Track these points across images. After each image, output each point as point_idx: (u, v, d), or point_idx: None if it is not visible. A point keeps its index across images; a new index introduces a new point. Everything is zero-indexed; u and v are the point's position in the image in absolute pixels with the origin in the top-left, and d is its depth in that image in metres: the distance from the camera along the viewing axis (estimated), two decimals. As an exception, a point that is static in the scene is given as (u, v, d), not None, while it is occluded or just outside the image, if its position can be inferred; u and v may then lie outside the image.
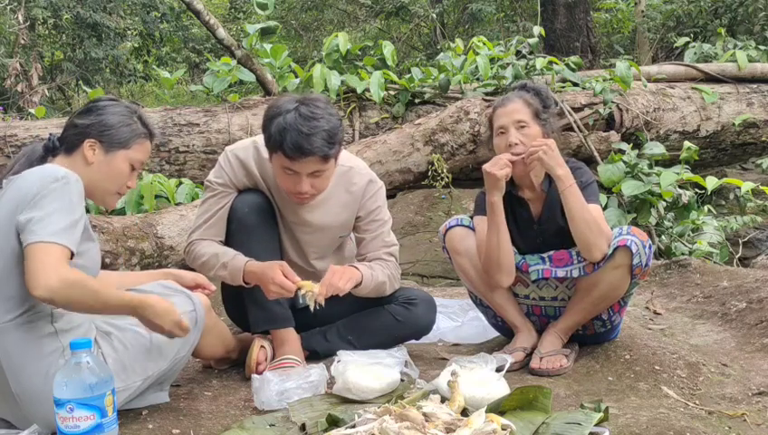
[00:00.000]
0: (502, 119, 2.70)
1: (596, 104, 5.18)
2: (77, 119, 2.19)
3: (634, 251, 2.54)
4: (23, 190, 1.98)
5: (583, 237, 2.57)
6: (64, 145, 2.17)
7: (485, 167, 2.64)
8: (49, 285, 1.85)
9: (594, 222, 2.57)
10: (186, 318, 2.20)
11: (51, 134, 2.21)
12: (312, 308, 2.52)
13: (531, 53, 5.69)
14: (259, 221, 2.62)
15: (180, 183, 4.42)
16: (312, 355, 2.72)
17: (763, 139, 5.96)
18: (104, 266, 3.19)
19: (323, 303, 2.48)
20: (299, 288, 2.50)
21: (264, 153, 2.57)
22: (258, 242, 2.62)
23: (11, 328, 1.98)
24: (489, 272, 2.73)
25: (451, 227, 2.84)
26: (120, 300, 2.03)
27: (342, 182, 2.67)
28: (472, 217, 2.85)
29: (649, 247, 2.60)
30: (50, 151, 2.17)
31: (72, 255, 1.95)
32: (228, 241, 2.66)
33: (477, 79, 5.48)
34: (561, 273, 2.68)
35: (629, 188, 4.60)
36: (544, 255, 2.74)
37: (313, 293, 2.50)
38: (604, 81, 5.28)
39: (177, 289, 2.33)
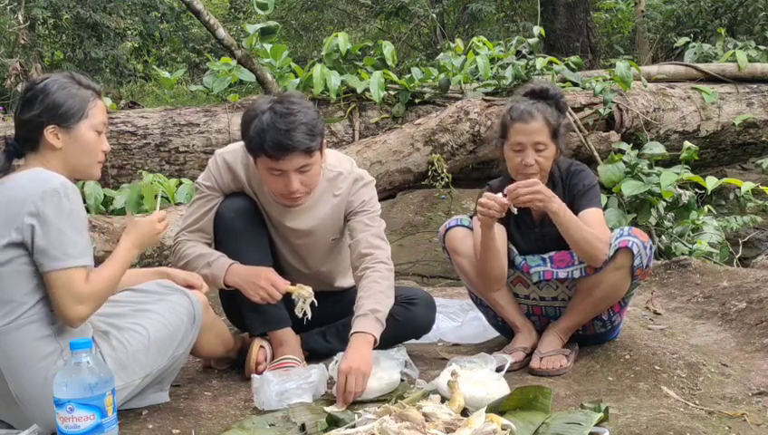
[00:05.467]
0: (521, 136, 2.62)
1: (596, 104, 5.18)
2: (24, 113, 2.10)
3: (635, 252, 2.54)
4: (17, 200, 1.97)
5: (585, 255, 2.58)
6: (27, 143, 2.11)
7: (482, 201, 2.53)
8: (80, 315, 2.00)
9: (593, 236, 2.54)
10: (183, 313, 2.26)
11: (5, 137, 2.15)
12: (299, 314, 2.55)
13: (531, 52, 5.68)
14: (246, 224, 2.61)
15: (180, 183, 4.42)
16: (312, 355, 2.72)
17: (763, 139, 5.96)
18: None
19: (309, 312, 2.53)
20: (288, 293, 2.53)
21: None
22: (249, 245, 2.61)
23: (8, 331, 1.98)
24: (481, 277, 2.75)
25: (451, 228, 2.84)
26: (116, 266, 2.12)
27: (330, 188, 2.65)
28: (471, 217, 2.84)
29: (650, 248, 2.60)
30: (13, 155, 2.12)
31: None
32: (218, 248, 2.64)
33: (477, 79, 5.48)
34: (562, 274, 2.68)
35: (629, 188, 4.60)
36: (545, 256, 2.74)
37: (308, 294, 2.52)
38: (604, 81, 5.28)
39: (174, 287, 2.33)
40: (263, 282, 2.52)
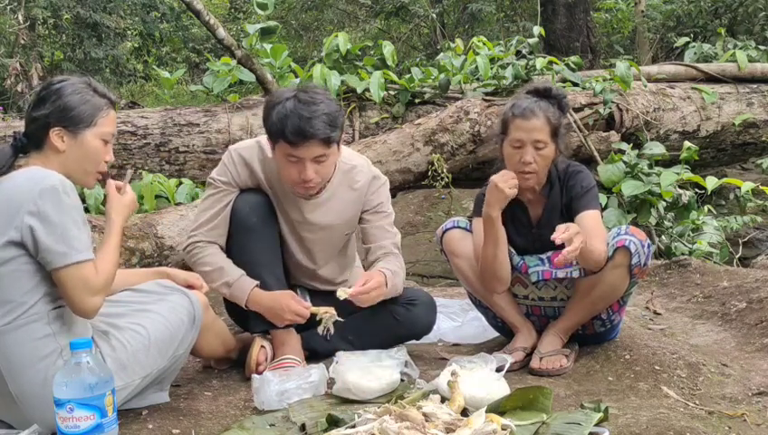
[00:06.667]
0: (520, 133, 2.61)
1: (596, 104, 5.18)
2: (34, 111, 2.11)
3: (633, 251, 2.54)
4: (17, 198, 1.97)
5: (589, 265, 2.59)
6: (32, 141, 2.11)
7: (494, 179, 2.58)
8: (96, 306, 2.03)
9: (598, 253, 2.54)
10: (183, 314, 2.26)
11: (15, 132, 2.15)
12: (322, 333, 2.59)
13: (531, 52, 5.68)
14: (259, 221, 2.62)
15: (180, 183, 4.42)
16: (312, 355, 2.72)
17: (763, 139, 5.96)
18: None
19: (332, 329, 2.59)
20: (313, 314, 2.56)
21: (268, 152, 2.58)
22: (258, 242, 2.62)
23: (7, 331, 1.98)
24: (484, 280, 2.74)
25: (447, 230, 2.84)
26: (116, 246, 2.14)
27: (346, 180, 2.68)
28: (470, 218, 2.84)
29: (648, 246, 2.60)
30: (19, 150, 2.12)
31: None
32: (229, 242, 2.66)
33: (477, 79, 5.48)
34: (561, 274, 2.69)
35: (629, 188, 4.60)
36: (543, 256, 2.74)
37: (330, 315, 2.56)
38: (604, 81, 5.28)
39: (174, 287, 2.33)
40: (287, 315, 2.56)
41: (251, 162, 2.64)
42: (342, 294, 2.48)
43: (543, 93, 2.70)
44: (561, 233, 2.36)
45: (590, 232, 2.56)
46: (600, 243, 2.55)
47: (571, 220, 2.65)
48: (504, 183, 2.56)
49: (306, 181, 2.49)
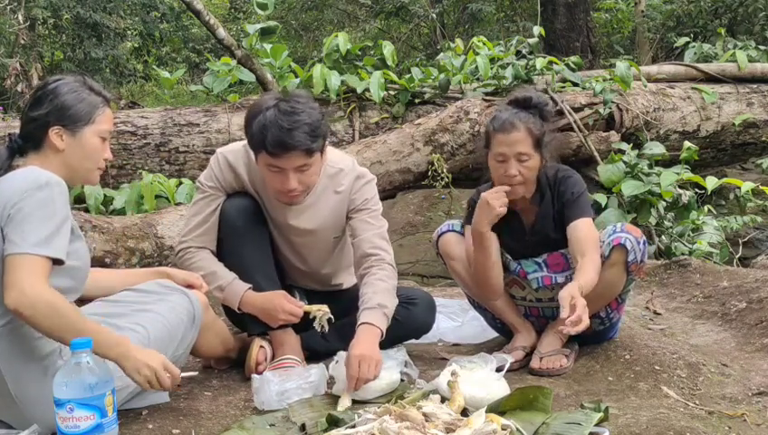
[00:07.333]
0: (502, 147, 2.60)
1: (596, 104, 5.18)
2: (32, 111, 2.11)
3: (629, 248, 2.55)
4: (5, 197, 1.96)
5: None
6: (30, 142, 2.11)
7: (486, 196, 2.57)
8: (20, 298, 1.85)
9: (596, 274, 2.48)
10: (183, 313, 2.23)
11: (10, 134, 2.14)
12: (318, 329, 2.58)
13: (531, 52, 5.69)
14: (248, 223, 2.62)
15: (180, 183, 4.42)
16: (312, 355, 2.72)
17: (763, 139, 5.96)
18: (104, 266, 3.20)
19: (327, 327, 2.57)
20: (307, 313, 2.56)
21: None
22: (248, 245, 2.62)
23: (6, 332, 1.97)
24: (478, 287, 2.75)
25: (443, 233, 2.84)
26: (96, 333, 1.93)
27: (331, 185, 2.65)
28: (463, 226, 2.83)
29: (644, 243, 2.61)
30: (15, 152, 2.12)
31: (59, 262, 1.95)
32: (219, 246, 2.65)
33: (477, 79, 5.48)
34: (560, 279, 2.69)
35: (629, 188, 4.60)
36: (539, 259, 2.74)
37: (324, 312, 2.56)
38: (604, 81, 5.28)
39: (174, 287, 2.33)
40: (281, 315, 2.55)
41: (236, 166, 2.62)
42: (345, 404, 2.27)
43: (523, 104, 2.66)
44: (568, 315, 2.27)
45: (583, 242, 2.56)
46: (593, 252, 2.53)
47: (564, 228, 2.64)
48: (496, 200, 2.55)
49: (290, 191, 2.47)
